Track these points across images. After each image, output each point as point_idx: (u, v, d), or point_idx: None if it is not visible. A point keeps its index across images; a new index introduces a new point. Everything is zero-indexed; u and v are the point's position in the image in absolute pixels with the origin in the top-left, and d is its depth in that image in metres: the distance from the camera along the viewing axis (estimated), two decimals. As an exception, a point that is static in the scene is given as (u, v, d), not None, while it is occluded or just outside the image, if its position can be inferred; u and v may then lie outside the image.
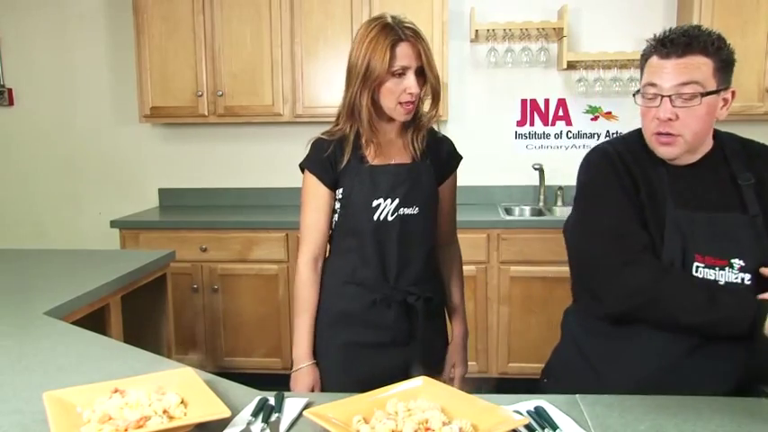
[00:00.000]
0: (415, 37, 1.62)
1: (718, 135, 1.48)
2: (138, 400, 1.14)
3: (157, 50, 3.64)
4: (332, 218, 1.73)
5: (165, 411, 1.13)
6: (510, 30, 3.63)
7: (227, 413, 1.11)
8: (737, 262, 1.34)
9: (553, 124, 3.86)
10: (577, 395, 1.22)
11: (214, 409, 1.12)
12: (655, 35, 1.40)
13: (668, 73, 1.34)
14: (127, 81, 3.94)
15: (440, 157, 1.77)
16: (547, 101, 3.84)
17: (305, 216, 1.73)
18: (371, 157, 1.68)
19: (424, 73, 1.62)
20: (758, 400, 1.20)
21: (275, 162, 3.93)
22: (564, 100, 3.83)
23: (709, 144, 1.44)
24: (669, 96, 1.34)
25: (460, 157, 1.83)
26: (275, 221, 3.45)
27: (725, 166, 1.43)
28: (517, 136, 3.90)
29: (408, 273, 1.70)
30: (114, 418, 1.10)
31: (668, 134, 1.36)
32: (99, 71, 4.06)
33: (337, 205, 1.71)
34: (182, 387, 1.21)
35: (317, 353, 1.72)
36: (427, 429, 1.06)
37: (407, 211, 1.69)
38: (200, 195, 4.07)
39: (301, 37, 3.53)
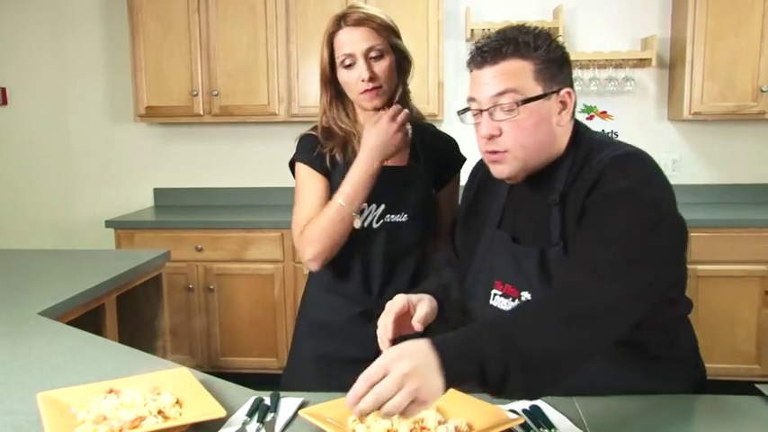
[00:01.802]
0: (359, 18, 1.50)
1: (576, 143, 1.25)
2: (132, 400, 1.13)
3: (152, 50, 3.63)
4: None
5: (160, 411, 1.12)
6: (505, 29, 3.63)
7: (222, 413, 1.10)
8: (526, 295, 1.23)
9: (548, 124, 3.85)
10: (574, 396, 1.22)
11: (209, 410, 1.12)
12: (472, 45, 1.25)
13: (484, 84, 1.19)
14: (122, 80, 3.93)
15: (440, 159, 1.66)
16: (542, 100, 3.84)
17: (299, 208, 1.60)
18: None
19: (386, 54, 1.52)
20: (752, 399, 1.21)
21: (271, 162, 3.93)
22: (559, 99, 3.83)
23: (550, 155, 1.24)
24: (488, 110, 1.19)
25: (464, 159, 1.72)
26: (270, 221, 3.45)
27: (551, 181, 1.25)
28: (513, 135, 3.90)
29: (394, 285, 1.58)
30: (109, 419, 1.09)
31: (495, 152, 1.21)
32: (93, 70, 4.05)
33: None
34: (177, 387, 1.21)
35: (291, 361, 1.67)
36: (423, 429, 1.06)
37: (395, 218, 1.58)
38: (195, 195, 4.06)
39: (297, 36, 3.53)
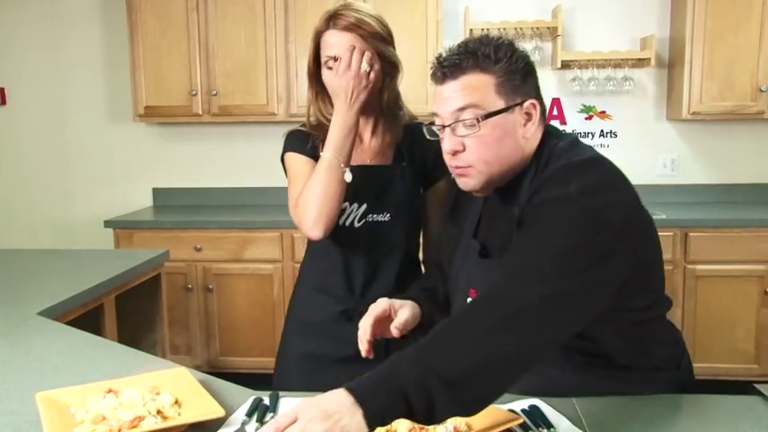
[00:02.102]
0: (348, 24, 1.48)
1: (539, 153, 1.21)
2: (131, 400, 1.13)
3: (151, 49, 3.63)
4: None
5: (159, 411, 1.12)
6: (504, 29, 3.63)
7: (221, 413, 1.11)
8: None
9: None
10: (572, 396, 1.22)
11: (208, 409, 1.12)
12: (435, 56, 1.23)
13: (445, 99, 1.18)
14: (121, 80, 3.92)
15: (425, 157, 1.62)
16: (541, 100, 3.84)
17: (296, 184, 1.55)
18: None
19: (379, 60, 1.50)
20: (751, 399, 1.21)
21: (269, 161, 3.89)
22: (558, 99, 3.84)
23: (517, 166, 1.21)
24: (450, 126, 1.17)
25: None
26: (270, 221, 3.44)
27: (516, 193, 1.22)
28: (512, 135, 3.90)
29: (377, 285, 1.58)
30: (108, 419, 1.09)
31: (458, 166, 1.20)
32: (92, 70, 4.05)
33: None
34: (176, 387, 1.21)
35: (278, 360, 1.67)
36: (422, 429, 1.05)
37: (377, 217, 1.57)
38: (194, 195, 4.06)
39: (295, 36, 3.53)
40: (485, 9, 3.76)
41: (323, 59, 1.51)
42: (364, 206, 1.56)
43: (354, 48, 1.48)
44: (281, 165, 1.67)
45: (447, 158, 1.22)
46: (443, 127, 1.19)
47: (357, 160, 1.56)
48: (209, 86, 3.63)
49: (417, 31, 3.47)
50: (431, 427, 1.05)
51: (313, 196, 1.48)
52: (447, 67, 1.17)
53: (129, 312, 2.48)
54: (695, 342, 3.31)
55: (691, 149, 3.80)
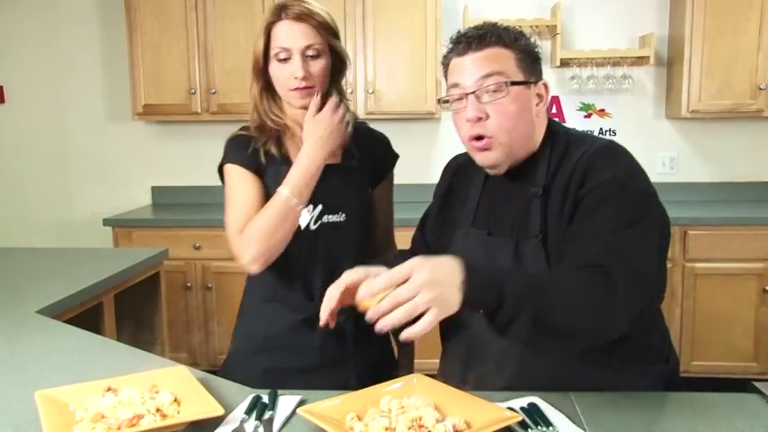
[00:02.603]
0: (300, 13, 1.44)
1: (552, 133, 1.31)
2: (130, 398, 1.13)
3: (150, 48, 3.63)
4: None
5: (158, 410, 1.12)
6: (503, 27, 3.63)
7: (220, 411, 1.10)
8: None
9: (546, 122, 3.86)
10: (571, 392, 1.22)
11: (207, 408, 1.12)
12: (450, 37, 1.29)
13: (468, 69, 1.23)
14: (119, 78, 3.92)
15: (373, 156, 1.60)
16: (540, 98, 3.84)
17: (236, 206, 1.48)
18: (294, 158, 1.49)
19: (323, 54, 1.46)
20: (750, 397, 1.21)
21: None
22: (557, 97, 3.84)
23: (530, 146, 1.29)
24: (474, 93, 1.22)
25: (397, 157, 1.68)
26: (269, 219, 3.44)
27: (533, 174, 1.28)
28: (511, 133, 3.90)
29: None
30: (107, 417, 1.09)
31: (482, 137, 1.23)
32: (91, 68, 4.05)
33: None
34: (175, 385, 1.21)
35: (237, 376, 1.53)
36: (421, 427, 1.05)
37: (332, 218, 1.51)
38: (193, 193, 4.06)
39: (294, 34, 3.52)
40: (483, 7, 3.76)
41: (273, 51, 1.47)
42: (320, 207, 1.50)
43: (336, 102, 1.48)
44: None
45: (467, 128, 1.24)
46: (465, 95, 1.22)
47: None
48: (208, 85, 3.63)
49: (416, 29, 3.47)
50: (430, 426, 1.06)
51: (261, 234, 1.41)
52: (472, 39, 1.23)
53: (129, 311, 2.48)
54: (694, 340, 3.31)
55: (690, 147, 3.81)
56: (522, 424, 1.09)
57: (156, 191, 4.12)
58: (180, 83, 3.65)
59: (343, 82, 1.60)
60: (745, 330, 3.30)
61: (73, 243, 4.03)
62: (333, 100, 1.49)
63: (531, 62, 1.26)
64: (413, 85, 3.51)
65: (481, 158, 1.27)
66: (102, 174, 4.13)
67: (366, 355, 1.55)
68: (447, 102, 1.28)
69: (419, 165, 3.65)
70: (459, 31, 1.28)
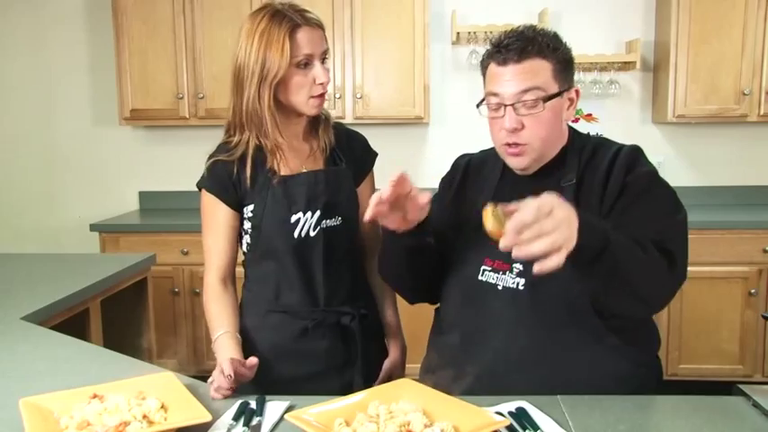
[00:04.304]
0: (314, 21, 1.44)
1: (574, 137, 1.42)
2: (117, 405, 1.13)
3: (137, 52, 3.61)
4: (236, 240, 1.55)
5: (144, 416, 1.11)
6: (491, 32, 3.65)
7: (207, 417, 1.10)
8: (517, 266, 1.32)
9: (534, 126, 3.87)
10: (558, 396, 1.22)
11: (195, 414, 1.11)
12: (490, 40, 1.35)
13: (508, 81, 1.29)
14: (106, 83, 3.90)
15: (354, 156, 1.60)
16: (528, 103, 3.86)
17: (206, 239, 1.57)
18: (282, 167, 1.49)
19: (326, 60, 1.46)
20: (735, 399, 1.22)
21: (257, 164, 3.91)
22: (545, 102, 3.85)
23: (558, 148, 1.38)
24: (512, 105, 1.28)
25: (376, 154, 1.67)
26: (257, 224, 3.43)
27: (560, 170, 1.37)
28: (499, 138, 3.92)
29: (339, 291, 1.53)
30: (93, 424, 1.08)
31: (516, 144, 1.31)
32: (78, 73, 4.02)
33: (247, 225, 1.52)
34: (162, 391, 1.20)
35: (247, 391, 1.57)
36: (408, 430, 1.06)
37: (330, 222, 1.51)
38: (180, 198, 4.04)
39: (283, 39, 3.52)
40: (471, 12, 3.77)
41: (298, 58, 1.41)
42: (318, 213, 1.50)
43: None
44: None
45: (502, 136, 1.31)
46: (504, 106, 1.29)
47: (299, 168, 1.52)
48: (196, 90, 3.62)
49: (404, 34, 3.48)
50: (418, 431, 1.06)
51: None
52: (513, 51, 1.27)
53: (115, 317, 2.46)
54: (681, 343, 3.33)
55: (676, 152, 3.84)
56: (511, 428, 1.10)
57: (144, 196, 4.10)
58: (167, 87, 3.63)
59: (330, 87, 1.60)
60: (731, 333, 3.32)
61: (59, 249, 4.00)
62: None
63: (566, 70, 1.33)
64: (401, 89, 3.52)
65: (514, 162, 1.35)
66: (89, 179, 4.10)
67: (369, 354, 1.57)
68: (482, 104, 1.34)
69: (408, 169, 3.63)
70: (500, 37, 1.32)
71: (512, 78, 1.28)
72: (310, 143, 1.55)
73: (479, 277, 1.37)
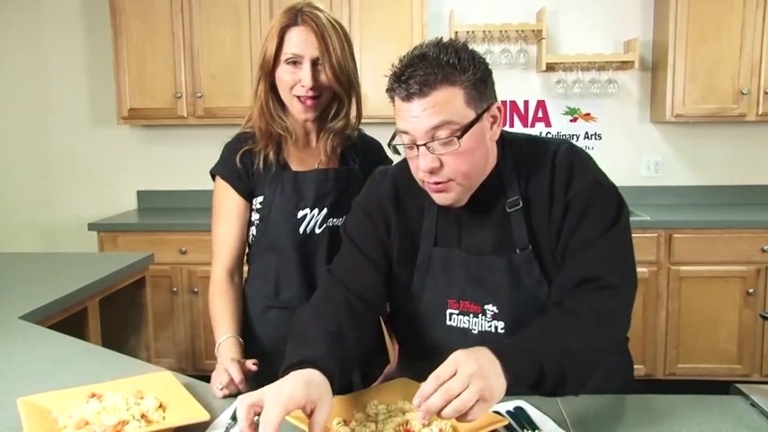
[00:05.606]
0: (316, 25, 1.44)
1: (504, 150, 1.25)
2: (115, 404, 1.12)
3: (135, 51, 3.61)
4: (245, 231, 1.55)
5: (143, 416, 1.11)
6: (489, 32, 3.65)
7: (206, 417, 1.10)
8: (490, 309, 1.21)
9: (532, 126, 3.88)
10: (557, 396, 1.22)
11: (193, 413, 1.11)
12: (393, 65, 1.16)
13: (415, 118, 1.11)
14: (104, 82, 3.89)
15: (367, 162, 1.60)
16: (526, 102, 3.87)
17: (216, 227, 1.55)
18: (294, 163, 1.53)
19: (330, 68, 1.45)
20: (733, 399, 1.22)
21: (255, 164, 3.90)
22: (543, 102, 3.86)
23: (488, 172, 1.22)
24: (425, 144, 1.12)
25: (390, 162, 1.62)
26: (255, 223, 3.43)
27: (501, 192, 1.23)
28: (497, 137, 3.92)
29: None
30: (91, 424, 1.08)
31: (437, 183, 1.16)
32: (76, 72, 4.01)
33: (255, 216, 1.53)
34: (160, 391, 1.20)
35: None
36: (407, 431, 1.06)
37: (336, 221, 1.52)
38: (178, 197, 4.04)
39: (281, 38, 3.52)
40: (470, 12, 3.77)
41: (284, 55, 1.46)
42: (325, 211, 1.52)
43: None
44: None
45: (422, 176, 1.17)
46: (416, 146, 1.13)
47: (313, 164, 1.55)
48: (194, 89, 3.61)
49: (402, 34, 3.48)
50: (417, 430, 1.05)
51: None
52: (414, 84, 1.10)
53: (114, 316, 2.46)
54: (679, 343, 3.34)
55: (674, 151, 3.84)
56: (509, 427, 1.10)
57: (142, 195, 4.09)
58: (166, 86, 3.63)
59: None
60: (729, 333, 3.33)
61: (57, 248, 4.00)
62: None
63: (481, 88, 1.14)
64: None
65: (440, 199, 1.20)
66: (87, 178, 4.10)
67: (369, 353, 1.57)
68: (393, 142, 1.19)
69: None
70: (399, 63, 1.15)
71: (419, 115, 1.11)
72: (324, 144, 1.56)
73: (447, 322, 1.26)
